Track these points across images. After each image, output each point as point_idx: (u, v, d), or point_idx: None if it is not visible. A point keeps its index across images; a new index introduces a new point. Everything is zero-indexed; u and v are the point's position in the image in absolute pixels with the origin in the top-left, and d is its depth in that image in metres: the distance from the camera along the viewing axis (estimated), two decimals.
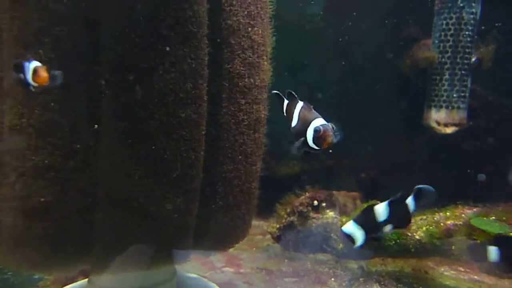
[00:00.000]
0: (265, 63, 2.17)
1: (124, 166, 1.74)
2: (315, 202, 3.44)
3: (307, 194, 3.51)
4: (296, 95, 1.67)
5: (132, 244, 1.82)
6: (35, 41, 1.68)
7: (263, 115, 2.18)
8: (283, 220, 3.48)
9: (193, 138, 1.82)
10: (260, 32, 2.08)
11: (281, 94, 1.70)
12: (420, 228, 3.05)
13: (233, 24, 1.96)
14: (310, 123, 1.47)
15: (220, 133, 2.01)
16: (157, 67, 1.71)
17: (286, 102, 1.69)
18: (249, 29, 2.02)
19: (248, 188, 2.15)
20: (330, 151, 4.58)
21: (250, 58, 2.03)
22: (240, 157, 2.07)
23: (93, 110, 1.76)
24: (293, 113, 1.59)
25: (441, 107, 4.03)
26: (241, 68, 2.00)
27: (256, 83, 2.08)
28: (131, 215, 1.79)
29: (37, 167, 1.73)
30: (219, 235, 2.10)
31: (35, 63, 1.53)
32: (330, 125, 1.45)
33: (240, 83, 2.01)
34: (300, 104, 1.61)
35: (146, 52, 1.69)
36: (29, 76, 1.51)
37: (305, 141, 1.48)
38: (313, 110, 1.56)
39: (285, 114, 1.68)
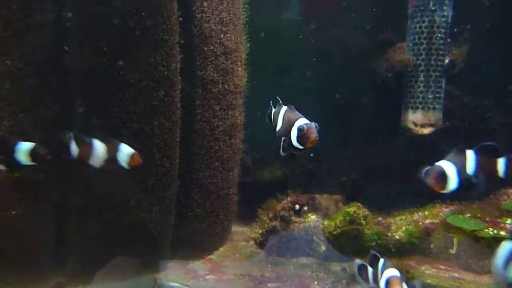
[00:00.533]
0: (239, 69, 2.19)
1: (97, 176, 1.73)
2: (297, 206, 3.47)
3: (289, 199, 3.53)
4: (281, 101, 1.70)
5: (108, 255, 1.81)
6: (2, 51, 1.66)
7: (238, 121, 2.20)
8: (266, 225, 3.49)
9: (167, 146, 1.82)
10: (233, 38, 2.10)
11: (270, 104, 1.75)
12: (399, 228, 3.09)
13: (205, 31, 1.98)
14: (293, 123, 1.52)
15: (195, 139, 2.02)
16: (129, 76, 1.71)
17: (273, 110, 1.72)
18: (222, 35, 2.04)
19: (225, 194, 2.16)
20: (312, 155, 4.62)
21: (223, 64, 2.05)
22: (216, 163, 2.08)
23: (64, 119, 1.75)
24: (277, 118, 1.65)
25: (417, 108, 4.11)
26: (215, 75, 2.02)
27: (230, 89, 2.10)
28: (105, 225, 1.78)
29: (8, 180, 1.70)
30: (197, 242, 2.10)
31: (129, 148, 1.59)
32: (313, 124, 1.49)
33: (213, 89, 2.03)
34: (284, 108, 1.66)
35: (117, 60, 1.70)
36: (123, 160, 1.55)
37: (290, 142, 1.52)
38: (297, 112, 1.61)
39: (272, 121, 1.71)
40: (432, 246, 2.98)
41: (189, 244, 2.09)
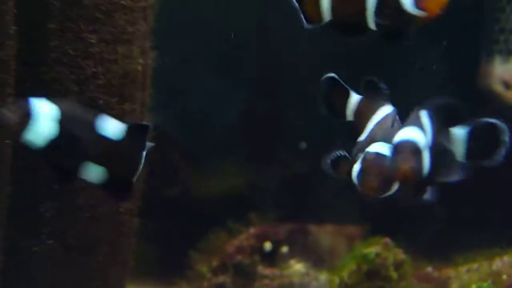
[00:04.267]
0: None
1: None
2: (267, 245, 3.52)
3: (252, 230, 3.58)
4: (380, 87, 1.88)
5: None
6: None
7: (139, 71, 2.24)
8: (205, 284, 3.53)
9: None
10: None
11: (340, 80, 1.92)
12: (466, 287, 3.17)
13: None
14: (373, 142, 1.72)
15: None
16: None
17: (355, 97, 1.89)
18: None
19: (110, 222, 2.20)
20: (303, 147, 4.64)
21: None
22: None
23: None
24: (367, 120, 1.82)
25: (510, 54, 4.21)
26: None
27: (122, 2, 2.12)
28: None
29: None
30: None
31: None
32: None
33: (86, 3, 2.02)
34: (386, 109, 1.82)
35: None
36: None
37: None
38: (398, 121, 1.78)
39: (350, 117, 1.92)
40: None
41: None
